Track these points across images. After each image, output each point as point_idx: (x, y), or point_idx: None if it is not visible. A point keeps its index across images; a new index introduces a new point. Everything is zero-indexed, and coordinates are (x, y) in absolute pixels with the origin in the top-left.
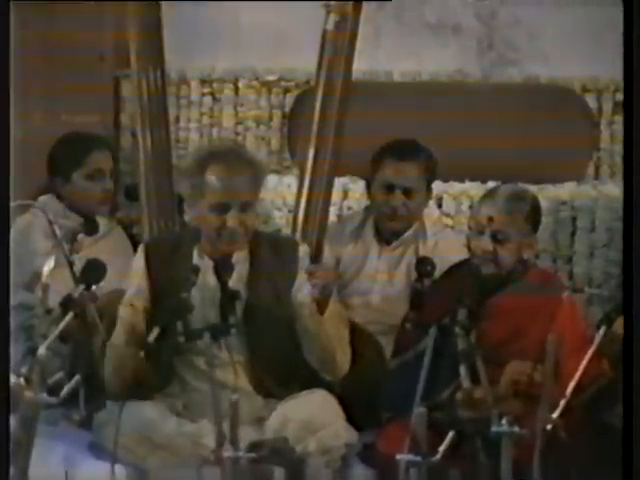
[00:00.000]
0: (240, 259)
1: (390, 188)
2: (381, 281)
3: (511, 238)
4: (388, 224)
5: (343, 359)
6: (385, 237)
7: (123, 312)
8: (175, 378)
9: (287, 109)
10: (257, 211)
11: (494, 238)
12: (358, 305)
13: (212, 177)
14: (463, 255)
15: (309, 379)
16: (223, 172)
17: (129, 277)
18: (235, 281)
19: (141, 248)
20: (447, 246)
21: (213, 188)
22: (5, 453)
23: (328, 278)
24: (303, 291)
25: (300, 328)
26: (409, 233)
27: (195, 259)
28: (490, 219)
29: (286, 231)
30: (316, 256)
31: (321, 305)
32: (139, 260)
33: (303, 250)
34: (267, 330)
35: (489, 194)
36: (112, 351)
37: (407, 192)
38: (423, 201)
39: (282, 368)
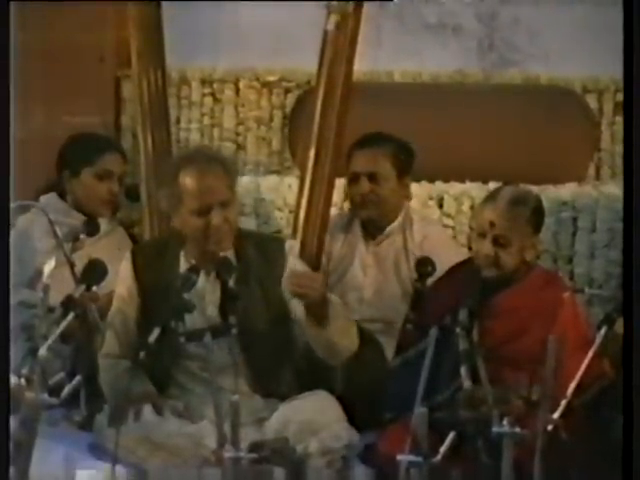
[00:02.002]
0: None
1: (356, 176)
2: (371, 275)
3: (513, 242)
4: (362, 213)
5: (350, 342)
6: (371, 231)
7: (114, 320)
8: (171, 382)
9: (288, 109)
10: (237, 208)
11: (496, 242)
12: (351, 300)
13: (186, 182)
14: (452, 250)
15: (305, 377)
16: (195, 175)
17: (117, 285)
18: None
19: (127, 255)
20: (436, 241)
21: (189, 193)
22: (5, 454)
23: (309, 284)
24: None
25: (298, 314)
26: (394, 225)
27: (182, 263)
28: (492, 223)
29: (287, 232)
30: (317, 256)
31: (318, 315)
32: (126, 267)
33: (289, 245)
34: (259, 329)
35: (490, 197)
36: (106, 362)
37: (372, 178)
38: (397, 190)
39: (276, 367)
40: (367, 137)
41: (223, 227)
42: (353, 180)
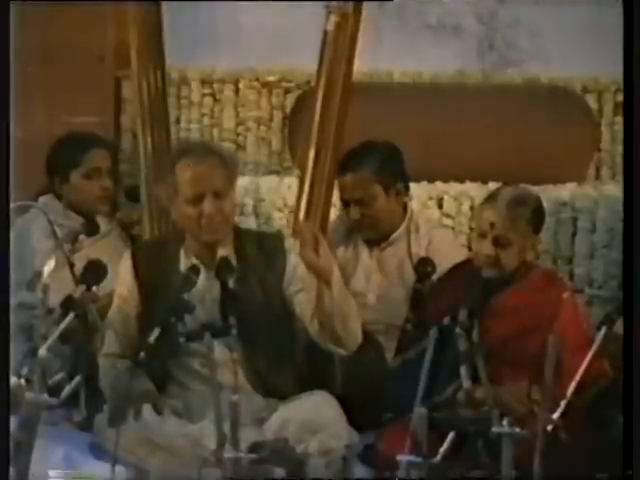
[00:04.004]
0: None
1: (346, 204)
2: (375, 281)
3: (513, 242)
4: (361, 234)
5: (355, 326)
6: (374, 239)
7: (114, 319)
8: (171, 381)
9: (288, 110)
10: (233, 201)
11: (496, 243)
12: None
13: (182, 171)
14: (458, 253)
15: (305, 377)
16: (192, 164)
17: (117, 284)
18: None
19: (127, 254)
20: (442, 244)
21: (184, 181)
22: (5, 454)
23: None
24: (297, 281)
25: (302, 309)
26: (399, 232)
27: (182, 261)
28: (492, 224)
29: (287, 232)
30: None
31: (323, 274)
32: (126, 266)
33: (289, 242)
34: (259, 327)
35: (490, 198)
36: (106, 362)
37: (361, 203)
38: (390, 203)
39: (277, 364)
40: (349, 159)
41: (216, 217)
42: (345, 205)
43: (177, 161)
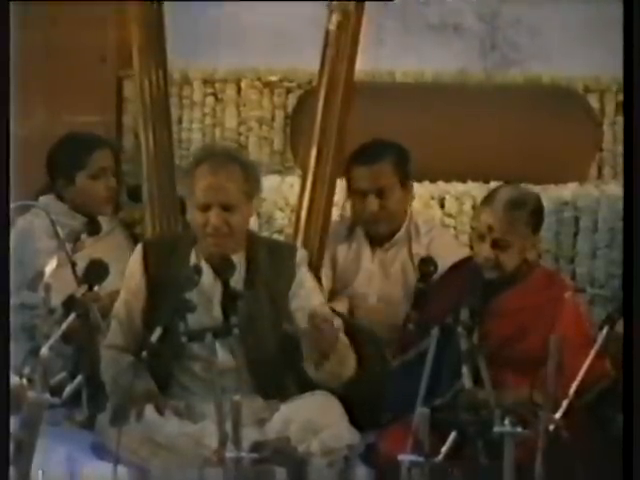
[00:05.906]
0: (236, 262)
1: (364, 194)
2: (377, 282)
3: (512, 244)
4: (373, 228)
5: (344, 372)
6: (377, 239)
7: (119, 311)
8: (173, 382)
9: (290, 109)
10: (245, 214)
11: (495, 245)
12: (356, 307)
13: (199, 177)
14: (458, 252)
15: (307, 382)
16: (209, 172)
17: (125, 276)
18: (232, 283)
19: (138, 248)
20: (442, 244)
21: (198, 187)
22: (5, 453)
23: (328, 330)
24: (299, 298)
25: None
26: (400, 233)
27: (193, 260)
28: (490, 227)
29: (288, 231)
30: (318, 256)
31: (324, 352)
32: (136, 260)
33: (301, 255)
34: (263, 333)
35: (488, 200)
36: (108, 354)
37: (380, 194)
38: (402, 198)
39: (278, 371)
40: (365, 150)
41: (222, 228)
42: (358, 197)
43: (198, 164)
